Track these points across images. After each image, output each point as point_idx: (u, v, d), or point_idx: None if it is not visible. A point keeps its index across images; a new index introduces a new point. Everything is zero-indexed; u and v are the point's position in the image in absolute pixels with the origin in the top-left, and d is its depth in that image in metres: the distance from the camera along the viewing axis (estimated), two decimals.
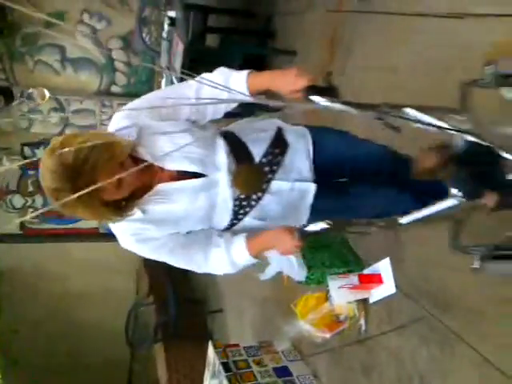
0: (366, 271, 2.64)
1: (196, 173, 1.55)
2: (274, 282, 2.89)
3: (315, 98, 1.33)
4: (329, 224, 1.57)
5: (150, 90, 4.61)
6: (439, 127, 1.28)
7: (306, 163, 1.68)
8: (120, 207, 1.52)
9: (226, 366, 3.29)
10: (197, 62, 3.80)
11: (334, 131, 1.84)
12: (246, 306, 4.55)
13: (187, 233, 1.64)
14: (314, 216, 1.73)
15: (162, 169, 1.55)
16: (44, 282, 6.68)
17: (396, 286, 2.42)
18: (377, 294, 2.55)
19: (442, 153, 1.35)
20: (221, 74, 1.57)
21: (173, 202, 1.54)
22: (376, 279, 2.53)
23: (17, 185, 6.16)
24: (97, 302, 6.76)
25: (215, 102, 1.58)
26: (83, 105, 5.78)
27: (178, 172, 1.55)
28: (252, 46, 4.42)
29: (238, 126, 1.74)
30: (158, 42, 5.02)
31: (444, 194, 1.44)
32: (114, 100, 5.75)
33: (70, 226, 6.44)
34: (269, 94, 1.50)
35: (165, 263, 1.68)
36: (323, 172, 1.69)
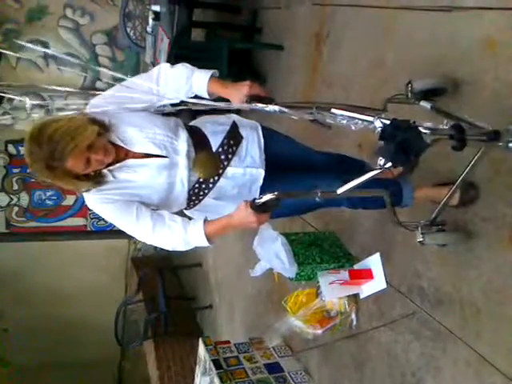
0: (356, 267, 2.63)
1: (159, 155, 1.86)
2: (264, 279, 2.88)
3: (257, 104, 1.70)
4: (275, 195, 1.66)
5: None
6: (359, 119, 1.57)
7: (258, 152, 1.99)
8: (91, 178, 1.81)
9: (216, 363, 3.27)
10: (182, 57, 3.75)
11: (281, 133, 2.21)
12: (236, 303, 4.54)
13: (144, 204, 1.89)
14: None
15: (131, 151, 1.86)
16: (32, 280, 6.63)
17: (387, 282, 2.42)
18: (367, 289, 2.55)
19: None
20: (186, 68, 1.90)
21: (137, 174, 1.85)
22: (366, 274, 2.53)
23: (1, 183, 6.08)
24: (86, 300, 6.72)
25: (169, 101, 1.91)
26: (67, 101, 5.71)
27: (145, 153, 1.86)
28: (238, 41, 4.38)
29: (200, 121, 2.05)
30: (143, 37, 4.96)
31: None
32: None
33: (58, 223, 6.38)
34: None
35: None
36: (271, 161, 2.01)
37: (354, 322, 2.73)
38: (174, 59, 3.72)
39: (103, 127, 1.80)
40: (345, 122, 1.60)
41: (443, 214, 1.98)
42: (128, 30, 4.92)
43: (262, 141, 2.02)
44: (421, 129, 1.45)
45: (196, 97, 1.89)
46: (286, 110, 1.63)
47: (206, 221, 1.83)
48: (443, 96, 2.11)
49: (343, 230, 2.86)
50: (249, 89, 1.80)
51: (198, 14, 4.59)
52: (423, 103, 1.93)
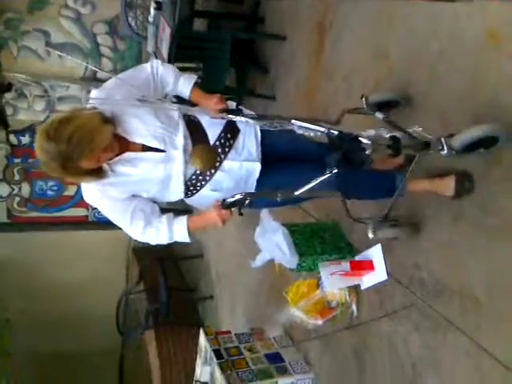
0: (357, 258, 2.63)
1: (158, 148, 1.93)
2: (265, 270, 2.88)
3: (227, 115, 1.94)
4: (243, 195, 1.84)
5: None
6: (315, 130, 1.86)
7: (255, 145, 2.05)
8: (97, 171, 1.89)
9: (217, 353, 3.29)
10: (184, 47, 3.74)
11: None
12: (237, 293, 4.55)
13: (140, 198, 2.00)
14: (259, 189, 2.09)
15: (132, 142, 1.93)
16: (34, 270, 6.63)
17: (387, 273, 2.42)
18: (368, 280, 2.54)
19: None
20: (174, 71, 2.08)
21: (135, 167, 1.92)
22: (367, 266, 2.52)
23: (2, 173, 6.08)
24: (87, 291, 6.72)
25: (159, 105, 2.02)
26: (68, 91, 5.70)
27: (144, 146, 1.93)
28: (241, 31, 4.35)
29: (199, 109, 2.07)
30: (145, 27, 4.93)
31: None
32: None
33: (59, 214, 6.38)
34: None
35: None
36: (268, 154, 2.06)
37: (355, 313, 2.73)
38: (175, 49, 3.70)
39: (112, 123, 1.87)
40: (303, 131, 1.87)
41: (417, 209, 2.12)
42: (129, 19, 4.89)
43: (259, 133, 2.07)
44: (362, 140, 1.73)
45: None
46: (250, 120, 1.90)
47: (188, 217, 2.01)
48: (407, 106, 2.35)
49: (344, 219, 2.86)
50: (214, 105, 1.97)
51: (201, 3, 4.56)
52: (378, 114, 2.12)
